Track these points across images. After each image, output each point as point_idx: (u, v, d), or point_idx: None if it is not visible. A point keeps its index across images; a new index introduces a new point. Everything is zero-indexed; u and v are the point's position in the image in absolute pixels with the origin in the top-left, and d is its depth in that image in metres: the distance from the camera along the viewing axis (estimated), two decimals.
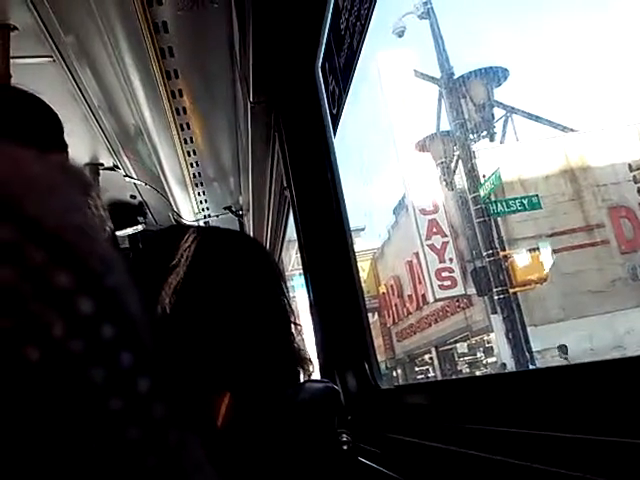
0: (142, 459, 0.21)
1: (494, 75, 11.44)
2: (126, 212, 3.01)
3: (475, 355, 14.95)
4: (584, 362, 0.60)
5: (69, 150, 0.91)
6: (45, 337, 0.20)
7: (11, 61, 1.75)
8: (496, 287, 10.79)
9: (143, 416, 0.22)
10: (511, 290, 10.74)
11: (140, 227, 3.05)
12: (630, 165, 11.15)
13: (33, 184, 0.22)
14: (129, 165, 2.67)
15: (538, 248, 11.43)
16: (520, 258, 11.15)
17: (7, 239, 0.20)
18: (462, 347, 15.50)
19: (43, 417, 0.20)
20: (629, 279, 11.72)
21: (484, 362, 14.30)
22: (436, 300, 14.37)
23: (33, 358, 0.20)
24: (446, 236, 14.22)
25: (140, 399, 0.22)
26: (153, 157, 2.35)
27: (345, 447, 0.82)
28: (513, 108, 12.34)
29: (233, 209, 2.96)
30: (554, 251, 11.61)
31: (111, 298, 0.22)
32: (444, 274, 14.08)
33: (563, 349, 10.39)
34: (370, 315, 17.91)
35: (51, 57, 1.85)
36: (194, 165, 2.38)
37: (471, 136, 11.38)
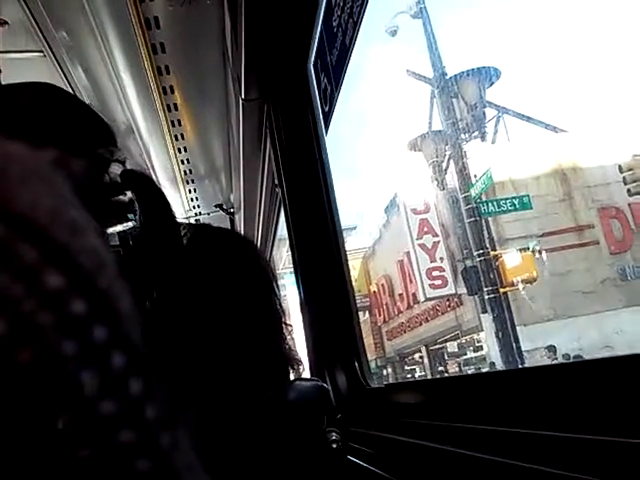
0: (134, 462, 0.21)
1: (486, 75, 11.49)
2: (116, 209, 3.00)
3: (465, 354, 15.01)
4: (573, 361, 0.60)
5: None
6: (37, 339, 0.20)
7: (1, 56, 1.73)
8: (486, 287, 10.84)
9: (135, 418, 0.21)
10: (501, 290, 10.79)
11: (130, 224, 3.04)
12: (620, 166, 11.22)
13: (23, 180, 0.22)
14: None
15: (528, 248, 11.48)
16: (510, 258, 11.20)
17: None
18: (452, 346, 15.56)
19: (34, 419, 0.20)
20: (618, 279, 11.82)
21: (474, 361, 14.36)
22: (427, 299, 14.41)
23: (25, 360, 0.19)
24: (437, 236, 14.26)
25: (132, 401, 0.21)
26: (144, 154, 2.33)
27: (334, 446, 0.81)
28: (505, 108, 12.38)
29: (224, 207, 2.95)
30: (544, 251, 11.67)
31: (103, 299, 0.22)
32: (435, 273, 14.12)
33: (551, 349, 10.47)
34: (361, 314, 17.89)
35: (41, 52, 1.83)
36: (185, 162, 2.37)
37: (463, 136, 11.42)
